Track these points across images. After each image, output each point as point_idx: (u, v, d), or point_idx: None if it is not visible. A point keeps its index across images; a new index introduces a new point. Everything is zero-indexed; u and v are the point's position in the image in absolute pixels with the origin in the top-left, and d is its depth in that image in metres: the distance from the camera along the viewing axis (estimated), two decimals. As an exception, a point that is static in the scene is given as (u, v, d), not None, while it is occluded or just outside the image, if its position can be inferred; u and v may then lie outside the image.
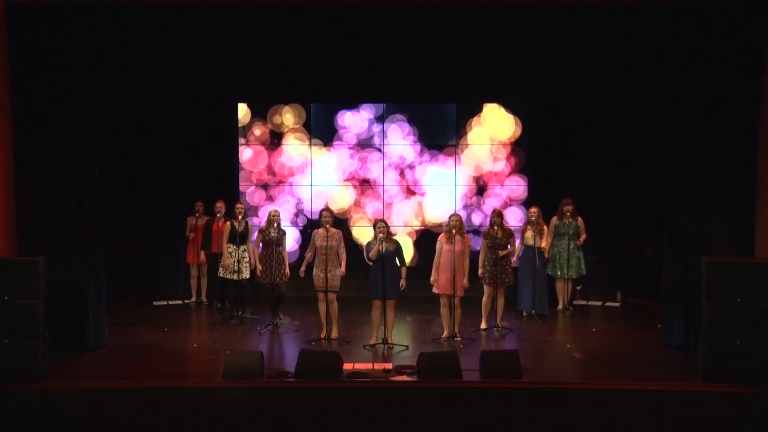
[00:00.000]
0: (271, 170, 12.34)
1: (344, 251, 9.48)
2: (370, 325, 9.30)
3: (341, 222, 11.89)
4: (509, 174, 12.35)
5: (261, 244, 10.01)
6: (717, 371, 7.56)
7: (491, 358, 7.87)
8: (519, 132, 12.25)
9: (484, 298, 9.89)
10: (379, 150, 12.30)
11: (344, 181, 12.33)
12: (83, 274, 8.87)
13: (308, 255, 9.46)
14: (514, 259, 10.57)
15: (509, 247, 9.90)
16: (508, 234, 9.94)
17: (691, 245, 8.82)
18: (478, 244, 10.86)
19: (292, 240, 11.79)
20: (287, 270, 10.02)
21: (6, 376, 7.56)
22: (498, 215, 9.95)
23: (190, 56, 9.01)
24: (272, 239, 9.89)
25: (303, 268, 9.53)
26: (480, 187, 12.36)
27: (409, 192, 12.38)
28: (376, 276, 9.03)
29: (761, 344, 7.51)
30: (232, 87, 11.89)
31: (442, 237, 9.39)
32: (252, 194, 12.32)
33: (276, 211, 10.07)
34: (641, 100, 11.25)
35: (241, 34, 8.86)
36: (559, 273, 10.94)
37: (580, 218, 10.91)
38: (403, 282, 9.10)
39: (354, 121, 12.30)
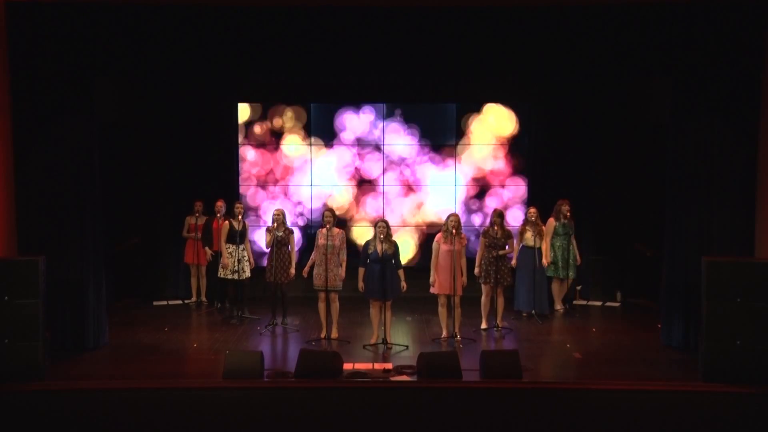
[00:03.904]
0: (271, 170, 12.34)
1: (345, 253, 9.48)
2: (370, 325, 9.31)
3: (341, 222, 11.88)
4: (509, 174, 12.35)
5: (271, 244, 9.95)
6: (717, 371, 7.57)
7: (491, 358, 7.88)
8: (518, 129, 12.24)
9: (483, 298, 9.89)
10: (379, 150, 12.30)
11: (345, 180, 12.34)
12: (83, 274, 8.88)
13: (313, 255, 9.46)
14: (513, 261, 10.60)
15: (507, 247, 9.90)
16: (507, 234, 9.94)
17: (691, 245, 8.82)
18: (476, 243, 10.86)
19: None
20: (292, 270, 9.98)
21: (6, 376, 7.57)
22: (499, 215, 9.96)
23: (190, 56, 9.01)
24: (277, 239, 9.88)
25: (307, 269, 9.51)
26: (480, 188, 12.36)
27: (409, 191, 12.38)
28: (375, 276, 9.03)
29: (761, 344, 7.52)
30: (232, 87, 11.89)
31: (439, 237, 9.39)
32: (252, 195, 12.32)
33: (280, 210, 10.06)
34: (641, 100, 11.24)
35: (241, 34, 8.86)
36: (562, 274, 10.94)
37: (572, 220, 10.92)
38: (404, 284, 9.12)
39: (354, 121, 12.30)
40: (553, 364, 8.69)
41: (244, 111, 12.29)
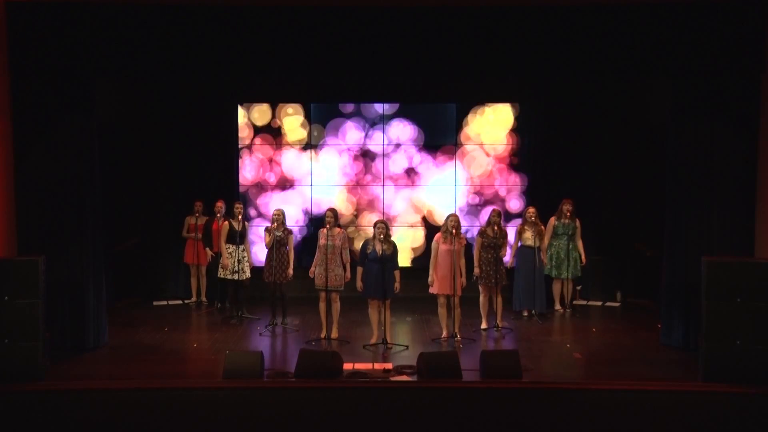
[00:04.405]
0: (271, 171, 12.34)
1: (348, 253, 9.47)
2: (370, 325, 9.31)
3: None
4: (509, 174, 12.35)
5: (270, 244, 9.94)
6: (717, 371, 7.56)
7: (491, 358, 7.88)
8: (518, 129, 12.25)
9: (482, 299, 9.89)
10: (379, 150, 12.30)
11: (345, 180, 12.34)
12: (83, 274, 8.87)
13: (317, 255, 9.46)
14: (510, 260, 10.62)
15: (501, 249, 9.90)
16: (504, 235, 9.94)
17: (691, 245, 8.81)
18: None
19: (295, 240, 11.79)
20: (290, 271, 9.99)
21: (6, 376, 7.57)
22: (498, 215, 9.96)
23: (189, 56, 9.02)
24: (277, 239, 9.88)
25: (312, 269, 9.51)
26: (479, 188, 12.36)
27: (409, 192, 12.38)
28: (374, 275, 9.04)
29: (761, 344, 7.52)
30: (232, 87, 11.88)
31: (438, 237, 9.38)
32: (252, 195, 12.32)
33: (280, 210, 10.06)
34: (641, 100, 11.24)
35: (241, 34, 8.87)
36: (556, 273, 10.94)
37: (578, 220, 10.90)
38: (397, 285, 9.12)
39: (354, 121, 12.30)
40: (553, 364, 8.68)
41: (244, 111, 12.29)
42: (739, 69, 8.62)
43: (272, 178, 12.34)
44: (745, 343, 7.54)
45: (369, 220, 12.20)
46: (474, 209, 12.36)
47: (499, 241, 9.82)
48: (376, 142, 12.32)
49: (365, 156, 12.34)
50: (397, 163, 12.35)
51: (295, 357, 7.97)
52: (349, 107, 12.29)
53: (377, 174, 12.35)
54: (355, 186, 12.37)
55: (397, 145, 12.32)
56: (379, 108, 12.29)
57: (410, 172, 12.37)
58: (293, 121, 12.30)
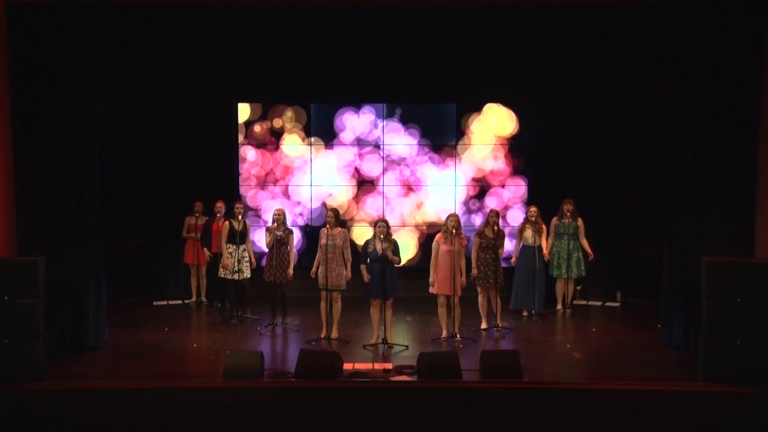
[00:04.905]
0: (271, 170, 12.34)
1: (350, 252, 9.47)
2: (370, 325, 9.32)
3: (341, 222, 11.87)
4: (509, 174, 12.35)
5: (271, 244, 9.95)
6: (717, 371, 7.57)
7: (491, 358, 7.88)
8: (518, 129, 12.25)
9: (480, 299, 9.89)
10: (379, 150, 12.31)
11: (345, 180, 12.34)
12: (83, 274, 8.87)
13: (319, 255, 9.46)
14: (513, 260, 10.63)
15: (500, 249, 9.91)
16: (501, 235, 9.94)
17: (691, 245, 8.82)
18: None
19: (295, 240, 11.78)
20: (290, 270, 9.99)
21: (6, 376, 7.57)
22: (496, 215, 9.96)
23: (190, 56, 9.01)
24: (277, 238, 9.88)
25: (314, 269, 9.50)
26: (480, 188, 12.36)
27: (409, 191, 12.38)
28: (375, 275, 9.04)
29: (761, 344, 7.52)
30: (232, 87, 11.89)
31: (439, 237, 9.39)
32: (253, 195, 12.32)
33: (280, 210, 10.06)
34: (641, 100, 11.24)
35: (241, 34, 8.87)
36: (557, 273, 10.94)
37: (580, 219, 10.89)
38: (390, 253, 9.07)
39: (354, 121, 12.30)
40: (553, 364, 8.69)
41: (244, 111, 12.30)
42: (739, 69, 8.61)
43: (272, 179, 12.34)
44: (745, 343, 7.54)
45: (361, 219, 12.24)
46: (474, 209, 12.36)
47: (497, 242, 9.82)
48: (376, 142, 12.31)
49: (364, 156, 12.33)
50: (397, 163, 12.33)
51: (295, 357, 7.97)
52: (349, 107, 12.29)
53: (377, 174, 12.34)
54: (354, 186, 12.36)
55: (397, 146, 12.31)
56: (379, 108, 12.29)
57: (410, 172, 12.35)
58: (293, 121, 12.30)
